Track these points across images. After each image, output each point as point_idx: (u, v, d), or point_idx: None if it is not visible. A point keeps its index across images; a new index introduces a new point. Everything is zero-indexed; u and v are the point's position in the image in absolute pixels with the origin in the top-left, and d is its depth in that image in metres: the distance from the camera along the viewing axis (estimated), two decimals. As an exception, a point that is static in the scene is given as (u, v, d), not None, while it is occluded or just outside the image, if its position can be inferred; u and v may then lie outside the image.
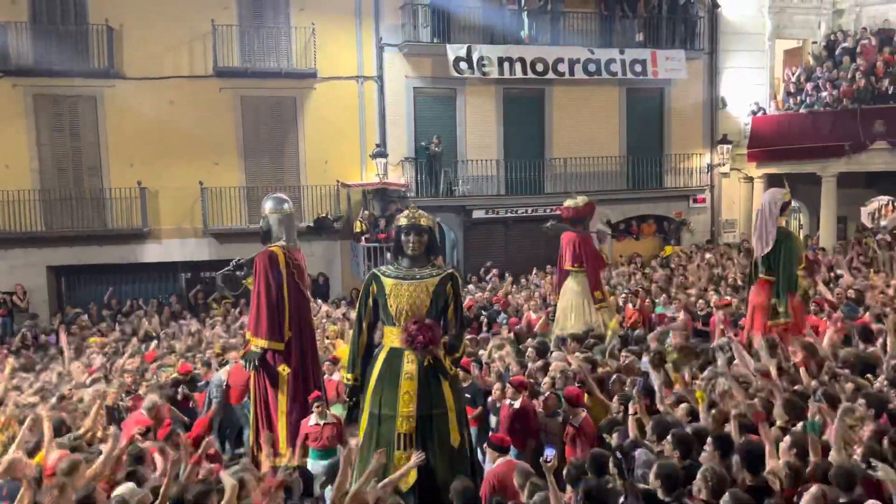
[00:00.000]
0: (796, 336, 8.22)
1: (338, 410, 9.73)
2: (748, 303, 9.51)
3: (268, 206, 8.02)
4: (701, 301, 12.27)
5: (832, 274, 13.86)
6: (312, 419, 7.55)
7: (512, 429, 7.01)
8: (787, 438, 5.28)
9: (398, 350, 6.34)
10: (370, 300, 6.49)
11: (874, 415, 5.58)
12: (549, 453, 4.94)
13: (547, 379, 7.85)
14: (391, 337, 6.40)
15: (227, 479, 5.07)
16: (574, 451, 6.71)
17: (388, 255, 6.95)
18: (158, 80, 17.68)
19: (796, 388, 6.66)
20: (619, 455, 5.44)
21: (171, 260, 18.24)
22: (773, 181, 20.80)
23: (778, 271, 9.06)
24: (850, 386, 6.39)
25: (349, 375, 6.73)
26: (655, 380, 7.05)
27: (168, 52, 17.80)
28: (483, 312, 13.33)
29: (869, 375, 6.99)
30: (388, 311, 6.36)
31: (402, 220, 6.56)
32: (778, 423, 5.80)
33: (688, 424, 6.04)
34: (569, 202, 12.11)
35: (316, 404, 7.54)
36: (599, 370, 8.23)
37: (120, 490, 5.36)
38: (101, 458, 5.93)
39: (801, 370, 7.00)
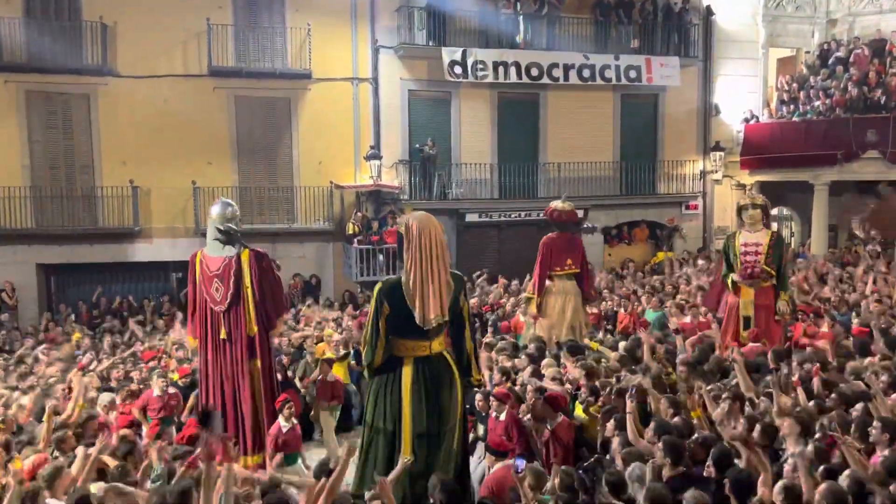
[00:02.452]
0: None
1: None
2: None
3: None
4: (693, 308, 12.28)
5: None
6: (283, 424, 7.56)
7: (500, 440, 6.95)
8: (791, 460, 5.25)
9: None
10: None
11: (888, 440, 5.47)
12: (520, 464, 4.95)
13: (529, 387, 7.75)
14: None
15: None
16: (548, 457, 6.66)
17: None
18: (152, 79, 17.60)
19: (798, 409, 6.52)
20: (582, 473, 5.42)
21: (163, 259, 18.10)
22: (765, 188, 20.97)
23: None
24: (859, 406, 6.30)
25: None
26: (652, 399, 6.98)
27: (162, 51, 17.73)
28: (477, 321, 13.24)
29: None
30: None
31: None
32: (791, 449, 5.74)
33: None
34: (558, 203, 11.98)
35: (284, 408, 7.59)
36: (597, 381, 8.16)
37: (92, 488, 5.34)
38: (85, 460, 5.89)
39: (798, 389, 6.90)
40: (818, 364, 7.45)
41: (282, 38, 18.46)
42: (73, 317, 16.28)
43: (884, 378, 7.03)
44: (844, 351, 8.77)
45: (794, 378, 7.16)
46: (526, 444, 6.99)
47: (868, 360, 8.08)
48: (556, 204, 11.80)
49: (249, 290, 7.82)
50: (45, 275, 18.03)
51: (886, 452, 5.28)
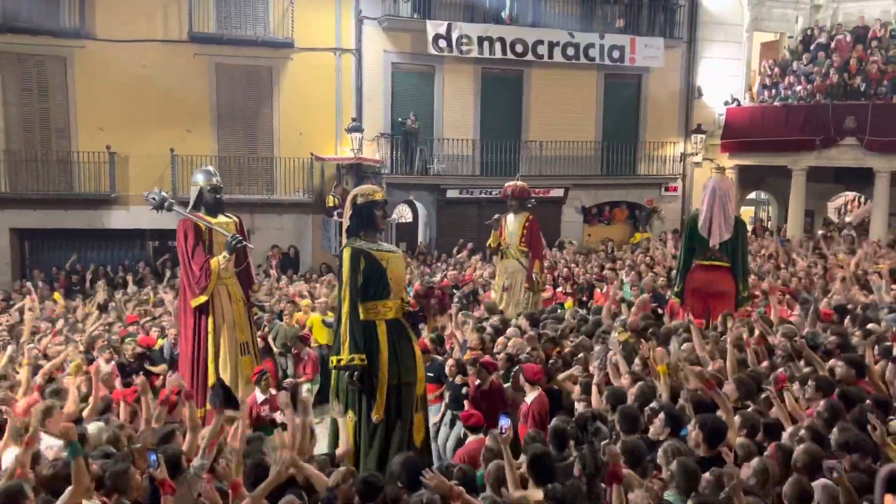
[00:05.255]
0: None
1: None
2: (688, 290, 9.71)
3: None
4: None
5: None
6: (259, 395, 7.61)
7: (480, 409, 7.01)
8: (737, 418, 5.37)
9: (395, 321, 6.42)
10: (359, 277, 6.29)
11: (822, 395, 5.71)
12: (505, 424, 4.94)
13: (502, 355, 7.87)
14: (384, 310, 6.38)
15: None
16: (525, 429, 6.74)
17: (344, 231, 6.58)
18: (131, 43, 17.28)
19: (749, 370, 6.81)
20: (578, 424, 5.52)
21: (139, 227, 17.88)
22: (744, 172, 21.13)
23: (735, 258, 9.37)
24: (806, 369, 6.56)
25: (361, 356, 6.19)
26: (614, 357, 7.13)
27: (142, 15, 17.41)
28: (454, 291, 13.33)
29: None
30: (386, 285, 6.35)
31: (378, 196, 6.56)
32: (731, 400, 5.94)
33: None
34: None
35: (261, 380, 7.68)
36: (560, 350, 8.28)
37: (89, 427, 5.44)
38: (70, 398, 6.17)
39: (749, 351, 7.17)
40: (749, 331, 7.74)
41: (264, 5, 18.20)
42: (39, 285, 15.95)
43: (832, 338, 7.35)
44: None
45: (750, 338, 7.46)
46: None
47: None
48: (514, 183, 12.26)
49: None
50: (18, 240, 17.80)
51: (820, 406, 5.48)
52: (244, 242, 7.94)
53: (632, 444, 4.99)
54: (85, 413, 6.30)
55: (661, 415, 5.51)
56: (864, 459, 4.67)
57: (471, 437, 6.14)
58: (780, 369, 6.58)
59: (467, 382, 7.30)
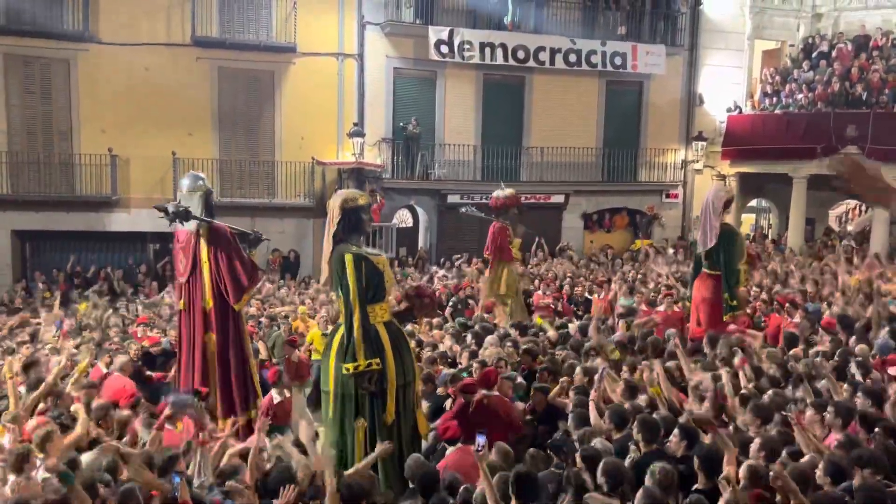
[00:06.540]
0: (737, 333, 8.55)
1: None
2: (692, 299, 9.74)
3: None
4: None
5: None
6: (275, 396, 7.72)
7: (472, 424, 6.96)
8: (757, 441, 5.33)
9: (391, 323, 6.49)
10: (363, 281, 6.28)
11: (842, 424, 5.63)
12: (481, 441, 4.92)
13: (475, 365, 7.84)
14: (381, 312, 6.40)
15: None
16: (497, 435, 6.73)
17: (330, 236, 6.56)
18: (134, 46, 17.34)
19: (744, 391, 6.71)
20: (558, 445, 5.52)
21: (140, 230, 17.89)
22: (744, 179, 21.14)
23: (722, 266, 9.41)
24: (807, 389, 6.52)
25: (377, 360, 6.20)
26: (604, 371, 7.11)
27: (145, 18, 17.48)
28: (453, 299, 13.36)
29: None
30: (384, 288, 6.41)
31: (363, 200, 6.59)
32: (750, 427, 5.88)
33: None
34: (497, 193, 12.69)
35: (280, 382, 7.80)
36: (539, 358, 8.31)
37: (84, 457, 5.42)
38: (79, 425, 6.05)
39: (740, 373, 7.09)
40: (742, 355, 7.61)
41: (267, 9, 18.26)
42: (40, 286, 15.97)
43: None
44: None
45: (736, 360, 7.39)
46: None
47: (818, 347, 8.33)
48: (496, 193, 12.54)
49: (206, 266, 7.67)
50: (19, 241, 17.83)
51: (840, 435, 5.41)
52: (264, 237, 8.08)
53: (612, 465, 4.97)
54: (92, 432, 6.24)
55: (676, 430, 5.51)
56: (874, 475, 4.66)
57: (450, 449, 6.14)
58: (771, 391, 6.53)
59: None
